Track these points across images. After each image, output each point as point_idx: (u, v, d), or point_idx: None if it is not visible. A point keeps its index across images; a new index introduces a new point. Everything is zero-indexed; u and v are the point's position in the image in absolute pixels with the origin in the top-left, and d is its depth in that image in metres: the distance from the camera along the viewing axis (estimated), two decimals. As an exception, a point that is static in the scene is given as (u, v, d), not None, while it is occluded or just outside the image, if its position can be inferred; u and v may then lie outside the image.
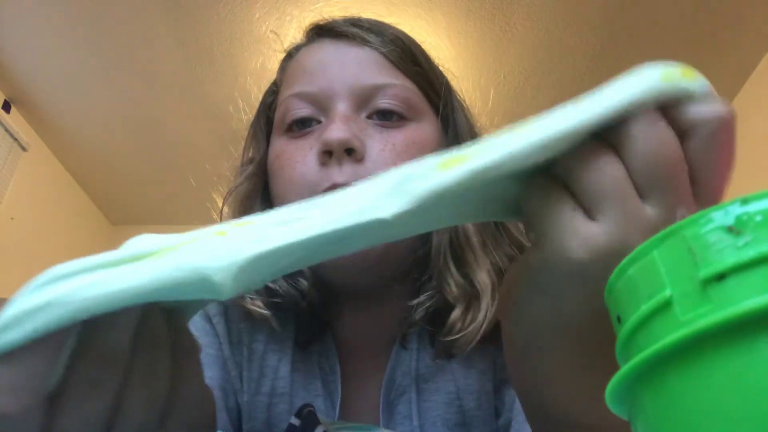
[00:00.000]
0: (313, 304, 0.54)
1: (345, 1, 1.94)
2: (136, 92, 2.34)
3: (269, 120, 0.60)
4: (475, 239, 0.54)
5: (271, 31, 2.01)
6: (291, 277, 0.54)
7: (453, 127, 0.58)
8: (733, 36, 2.03)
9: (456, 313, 0.51)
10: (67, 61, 2.21)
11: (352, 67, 0.53)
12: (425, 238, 0.55)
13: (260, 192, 0.57)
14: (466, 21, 2.00)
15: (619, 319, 0.20)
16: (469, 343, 0.50)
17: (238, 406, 0.55)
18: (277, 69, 0.63)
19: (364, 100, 0.52)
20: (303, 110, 0.52)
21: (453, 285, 0.52)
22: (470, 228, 0.54)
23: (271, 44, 2.12)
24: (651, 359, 0.18)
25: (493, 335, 0.51)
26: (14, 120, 2.39)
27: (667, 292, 0.18)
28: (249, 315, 0.54)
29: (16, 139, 2.40)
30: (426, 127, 0.54)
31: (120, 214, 3.14)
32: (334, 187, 0.47)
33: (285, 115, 0.53)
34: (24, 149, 2.45)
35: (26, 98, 2.38)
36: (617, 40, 2.05)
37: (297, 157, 0.51)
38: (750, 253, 0.17)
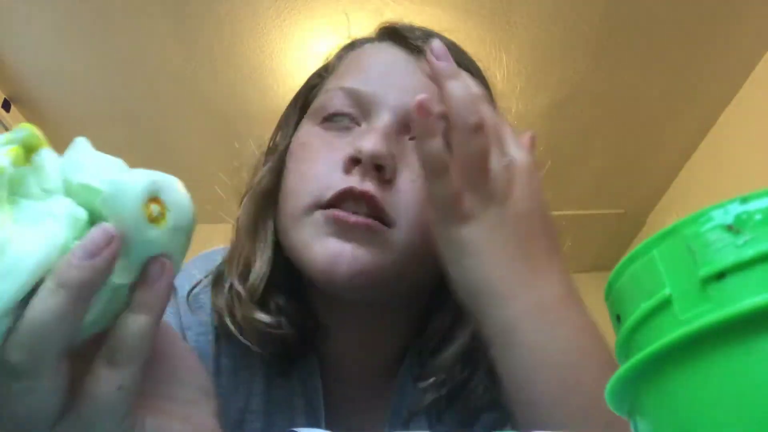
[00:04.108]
0: (297, 329, 0.50)
1: (343, 0, 1.94)
2: (136, 91, 2.34)
3: (306, 103, 0.55)
4: None
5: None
6: (270, 299, 0.50)
7: None
8: (732, 36, 2.03)
9: (488, 418, 0.49)
10: (67, 60, 2.21)
11: (412, 82, 0.49)
12: (431, 274, 0.51)
13: (279, 188, 0.52)
14: (466, 21, 2.00)
15: (618, 318, 0.20)
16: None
17: None
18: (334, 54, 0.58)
19: (411, 122, 0.47)
20: (345, 107, 0.49)
21: (481, 391, 0.50)
22: None
23: (270, 42, 2.12)
24: (650, 358, 0.18)
25: None
26: (14, 119, 2.38)
27: (667, 291, 0.18)
28: (219, 330, 0.50)
29: (16, 139, 2.40)
30: None
31: (120, 214, 3.14)
32: (348, 191, 0.44)
33: (325, 105, 0.50)
34: (24, 148, 2.45)
35: (26, 97, 2.37)
36: (617, 40, 2.04)
37: (322, 153, 0.48)
38: (749, 252, 0.17)
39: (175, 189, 0.29)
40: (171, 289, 0.29)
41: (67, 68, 2.25)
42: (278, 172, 0.52)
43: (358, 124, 0.49)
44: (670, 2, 1.92)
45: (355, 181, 0.45)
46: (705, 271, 0.17)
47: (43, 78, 2.30)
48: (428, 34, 0.53)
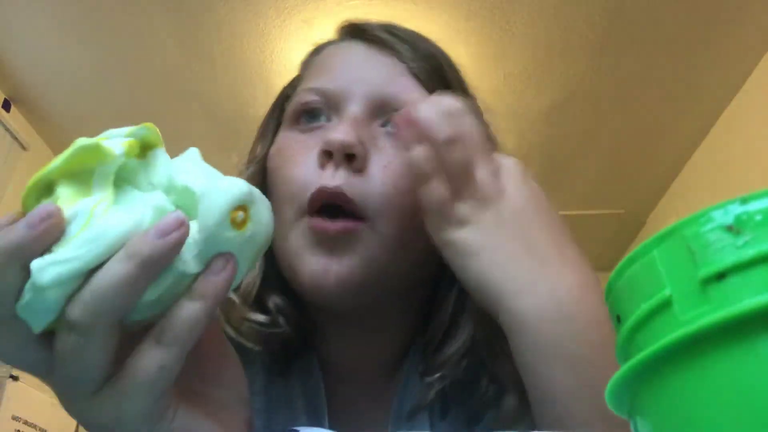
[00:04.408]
0: (294, 328, 0.50)
1: (344, 0, 1.94)
2: (136, 91, 2.34)
3: (282, 112, 0.57)
4: None
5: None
6: (268, 300, 0.50)
7: None
8: (732, 36, 2.03)
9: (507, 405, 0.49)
10: (67, 60, 2.21)
11: (376, 73, 0.51)
12: (428, 271, 0.51)
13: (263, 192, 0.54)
14: (466, 21, 2.00)
15: (618, 319, 0.20)
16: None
17: None
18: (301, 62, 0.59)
19: (380, 109, 0.49)
20: (315, 102, 0.50)
21: (486, 386, 0.50)
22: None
23: (270, 42, 2.12)
24: (650, 359, 0.18)
25: None
26: (14, 119, 2.38)
27: (667, 292, 0.18)
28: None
29: (16, 139, 2.40)
30: None
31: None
32: (321, 190, 0.45)
33: (296, 107, 0.52)
34: (24, 148, 2.45)
35: (26, 97, 2.37)
36: (617, 40, 2.05)
37: (298, 155, 0.49)
38: (750, 253, 0.16)
39: (264, 207, 0.32)
40: (229, 285, 0.31)
41: (67, 68, 2.25)
42: (259, 179, 0.53)
43: (329, 121, 0.50)
44: (670, 2, 1.92)
45: (327, 176, 0.45)
46: (705, 271, 0.17)
47: (43, 78, 2.30)
48: (386, 26, 0.54)
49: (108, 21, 2.05)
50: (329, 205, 0.45)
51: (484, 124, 0.57)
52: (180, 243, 0.29)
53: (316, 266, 0.45)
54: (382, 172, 0.46)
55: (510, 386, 0.48)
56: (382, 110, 0.49)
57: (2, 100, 2.34)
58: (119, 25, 2.07)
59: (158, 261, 0.28)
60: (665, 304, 0.18)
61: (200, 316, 0.29)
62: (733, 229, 0.17)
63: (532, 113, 2.32)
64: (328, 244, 0.45)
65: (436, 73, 0.52)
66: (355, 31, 0.55)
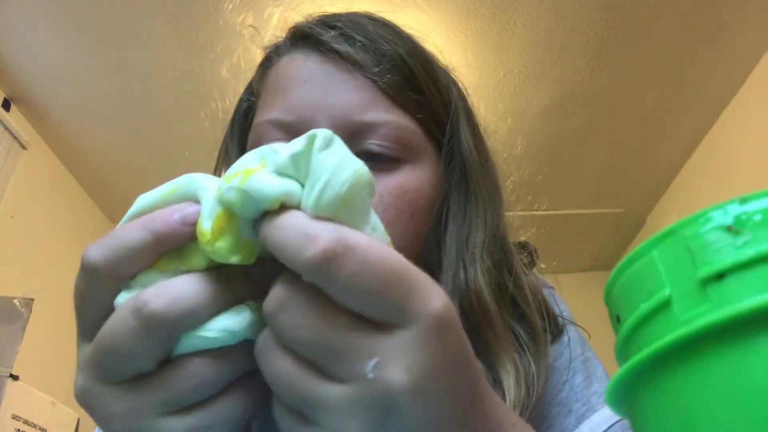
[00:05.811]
0: None
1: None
2: (136, 90, 2.34)
3: (243, 132, 0.53)
4: (492, 307, 0.44)
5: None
6: None
7: (460, 161, 0.50)
8: (732, 35, 2.03)
9: None
10: (67, 59, 2.21)
11: (339, 97, 0.45)
12: None
13: None
14: (466, 19, 2.00)
15: (618, 319, 0.20)
16: None
17: None
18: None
19: (350, 137, 0.44)
20: (278, 140, 0.45)
21: None
22: (484, 290, 0.45)
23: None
24: (650, 358, 0.18)
25: None
26: (14, 118, 2.38)
27: (666, 292, 0.18)
28: None
29: (15, 138, 2.39)
30: (422, 171, 0.47)
31: (120, 213, 3.12)
32: None
33: (258, 143, 0.46)
34: (24, 147, 2.44)
35: (26, 96, 2.37)
36: (617, 39, 2.04)
37: None
38: (749, 252, 0.17)
39: None
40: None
41: (67, 68, 2.24)
42: None
43: None
44: (670, 2, 1.92)
45: None
46: (704, 271, 0.17)
47: (43, 78, 2.30)
48: (343, 31, 0.48)
49: (108, 21, 2.05)
50: None
51: (478, 138, 0.53)
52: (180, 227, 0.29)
53: None
54: None
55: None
56: (352, 138, 0.44)
57: (2, 100, 2.33)
58: (119, 25, 2.07)
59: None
60: (665, 304, 0.18)
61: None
62: (733, 229, 0.17)
63: (532, 112, 2.32)
64: None
65: (406, 80, 0.47)
66: (307, 38, 0.50)
